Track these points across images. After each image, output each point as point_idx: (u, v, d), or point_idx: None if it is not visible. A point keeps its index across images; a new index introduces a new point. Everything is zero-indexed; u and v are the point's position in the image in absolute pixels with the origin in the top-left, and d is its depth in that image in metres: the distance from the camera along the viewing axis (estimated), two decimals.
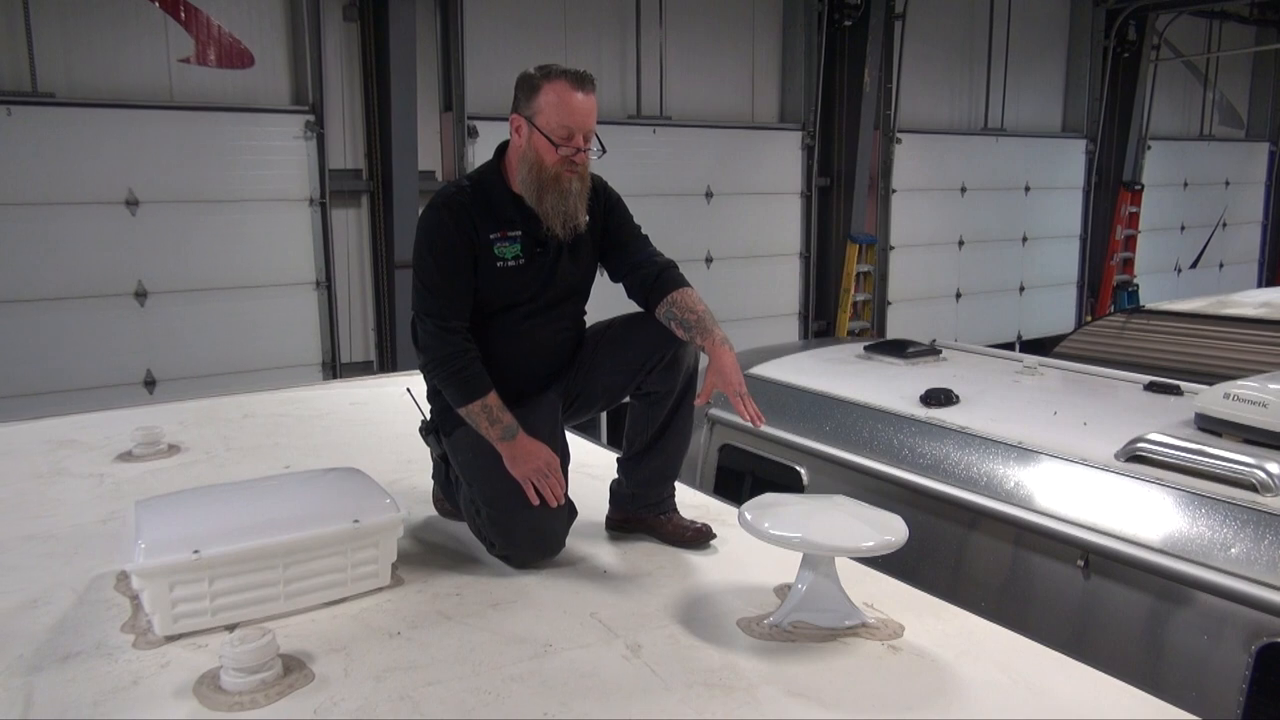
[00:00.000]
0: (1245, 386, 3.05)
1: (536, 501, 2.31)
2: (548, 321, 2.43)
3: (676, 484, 2.68)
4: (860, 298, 9.28)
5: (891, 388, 3.91)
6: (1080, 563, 2.87)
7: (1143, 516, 2.84)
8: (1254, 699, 2.48)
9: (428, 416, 2.59)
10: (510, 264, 2.34)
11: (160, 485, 2.91)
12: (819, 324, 9.17)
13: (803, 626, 2.13)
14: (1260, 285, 12.93)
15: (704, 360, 2.43)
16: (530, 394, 2.48)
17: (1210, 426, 3.08)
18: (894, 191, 9.67)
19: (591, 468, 3.10)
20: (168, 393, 6.32)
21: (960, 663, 2.03)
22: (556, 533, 2.44)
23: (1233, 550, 2.61)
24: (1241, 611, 2.54)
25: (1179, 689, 2.54)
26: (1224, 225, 13.12)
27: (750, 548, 2.39)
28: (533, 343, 2.39)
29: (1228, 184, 13.22)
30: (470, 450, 2.43)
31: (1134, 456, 2.99)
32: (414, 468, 3.01)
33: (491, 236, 2.33)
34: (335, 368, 6.98)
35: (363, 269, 7.15)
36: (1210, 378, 3.74)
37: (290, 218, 6.86)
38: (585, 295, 2.53)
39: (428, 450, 2.64)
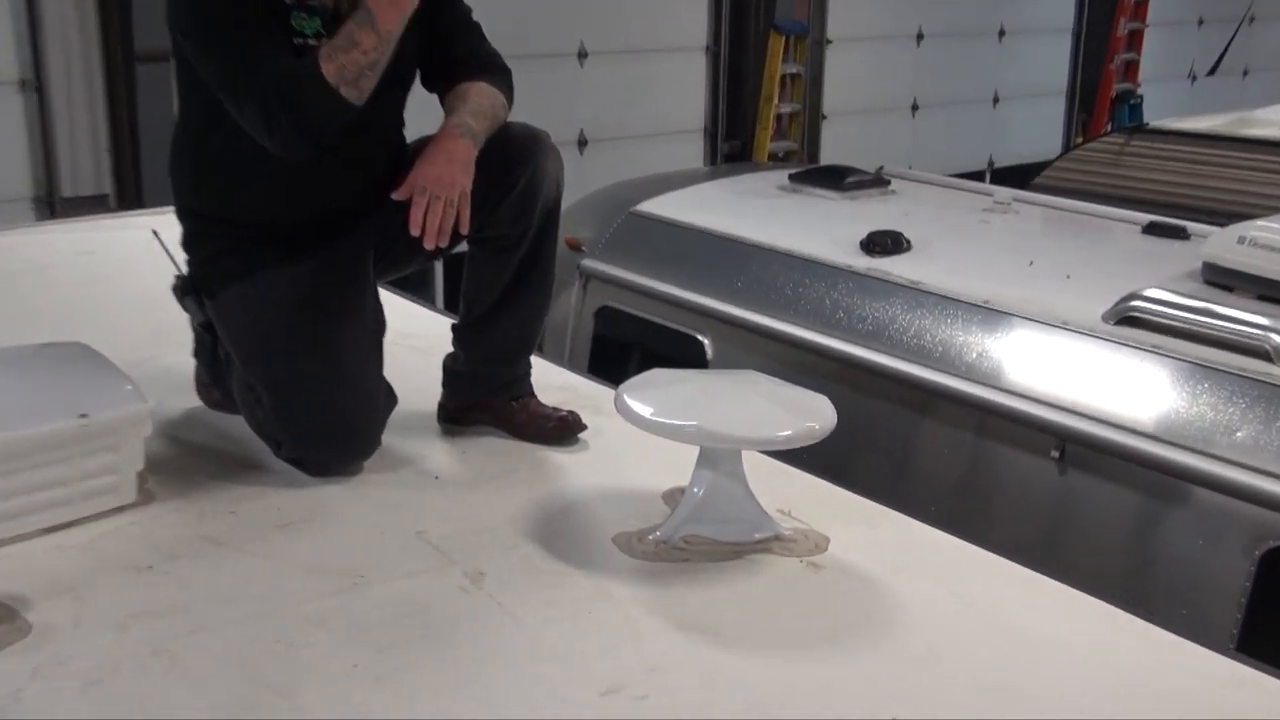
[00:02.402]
0: (1264, 228, 3.18)
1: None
2: (355, 124, 2.35)
3: (534, 359, 2.69)
4: (786, 109, 9.26)
5: (823, 230, 3.96)
6: (1055, 454, 3.00)
7: (1132, 394, 2.97)
8: (1253, 615, 2.66)
9: (183, 270, 2.53)
10: (310, 42, 2.30)
11: None
12: (731, 145, 9.14)
13: (698, 542, 2.18)
14: None
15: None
16: (329, 234, 2.44)
17: (1220, 279, 3.20)
18: None
19: (417, 339, 3.07)
20: None
21: (898, 581, 2.11)
22: (368, 425, 2.44)
23: (1238, 434, 2.76)
24: (1244, 510, 2.70)
25: (1168, 607, 2.71)
26: (1251, 20, 13.50)
27: (631, 442, 2.40)
28: (333, 153, 2.34)
29: None
30: (245, 313, 2.39)
31: (1125, 318, 3.11)
32: (168, 342, 2.93)
33: (287, 1, 2.29)
34: (53, 204, 6.65)
35: (88, 64, 6.72)
36: (1224, 217, 3.89)
37: None
38: (406, 88, 2.50)
39: (186, 319, 2.59)
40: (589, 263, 4.20)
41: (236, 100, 2.25)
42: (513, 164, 2.43)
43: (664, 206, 4.29)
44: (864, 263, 3.62)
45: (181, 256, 2.53)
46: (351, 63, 2.22)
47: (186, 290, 2.52)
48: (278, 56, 2.24)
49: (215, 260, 2.43)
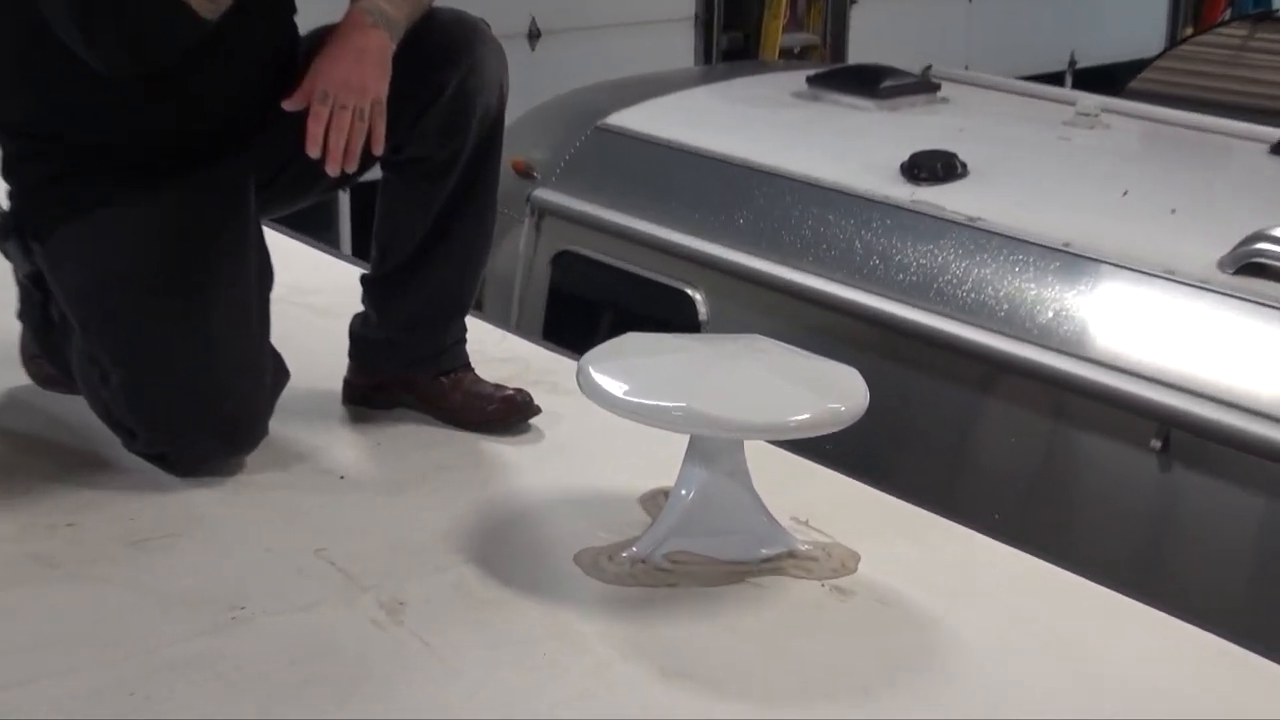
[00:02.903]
0: None
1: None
2: (249, 18, 2.35)
3: (470, 321, 2.70)
4: None
5: (853, 150, 3.96)
6: (1155, 443, 3.01)
7: (1256, 366, 2.98)
8: None
9: (2, 204, 2.52)
10: None
11: None
12: (731, 38, 9.13)
13: (688, 561, 2.18)
14: None
15: None
16: (196, 157, 2.44)
17: None
18: None
19: (315, 295, 3.06)
20: None
21: (952, 612, 2.11)
22: (250, 409, 2.45)
23: None
24: None
25: None
26: None
27: (599, 430, 2.40)
28: (204, 50, 2.31)
29: None
30: (86, 261, 2.38)
31: (1249, 265, 3.11)
32: None
33: None
34: None
35: None
36: None
37: None
38: None
39: (8, 269, 2.59)
40: (543, 194, 4.19)
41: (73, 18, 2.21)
42: (440, 63, 2.43)
43: (642, 120, 4.28)
44: (906, 193, 3.63)
45: (3, 188, 2.51)
46: None
47: (7, 231, 2.49)
48: None
49: (44, 191, 2.41)
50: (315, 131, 2.29)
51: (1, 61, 2.43)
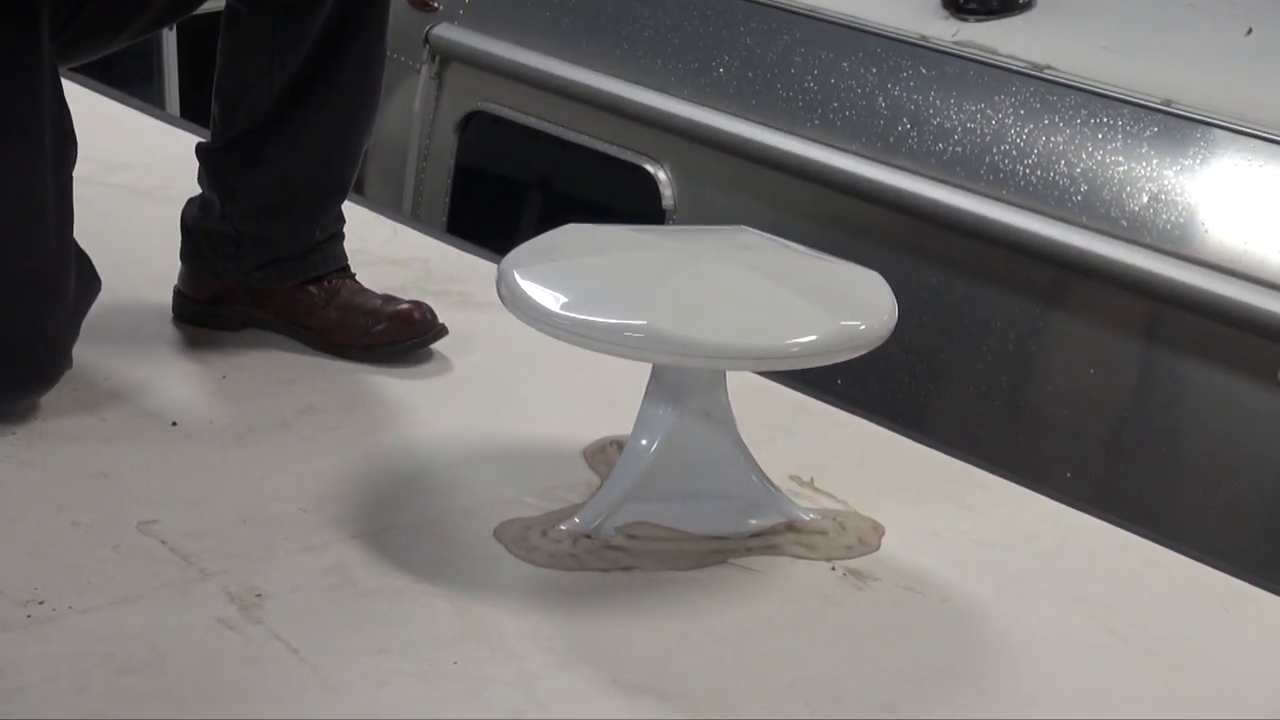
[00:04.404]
0: None
1: None
2: None
3: (349, 208, 2.73)
4: None
5: None
6: None
7: None
8: None
9: None
10: None
11: None
12: None
13: (650, 535, 2.21)
14: None
15: None
16: None
17: None
18: None
19: (134, 172, 3.10)
20: None
21: (1008, 601, 2.15)
22: (48, 331, 2.44)
23: None
24: None
25: None
26: None
27: (527, 357, 2.47)
28: None
29: None
30: None
31: None
32: None
33: None
34: None
35: None
36: None
37: None
38: None
39: None
40: (445, 32, 4.19)
41: None
42: None
43: None
44: (949, 29, 3.63)
45: None
46: None
47: None
48: None
49: None
50: None
51: None
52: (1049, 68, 3.48)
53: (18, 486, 2.31)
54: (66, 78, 2.61)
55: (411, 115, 4.19)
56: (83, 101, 2.71)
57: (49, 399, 2.46)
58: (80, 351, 2.48)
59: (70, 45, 2.56)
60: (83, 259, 2.49)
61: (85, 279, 2.50)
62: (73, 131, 2.51)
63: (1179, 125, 3.31)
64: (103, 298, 2.53)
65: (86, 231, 2.51)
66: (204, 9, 2.52)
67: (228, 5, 2.55)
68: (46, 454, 2.38)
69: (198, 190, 2.69)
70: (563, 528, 2.21)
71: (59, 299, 2.44)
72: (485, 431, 2.47)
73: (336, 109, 2.59)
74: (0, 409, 2.43)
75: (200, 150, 2.66)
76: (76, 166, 2.52)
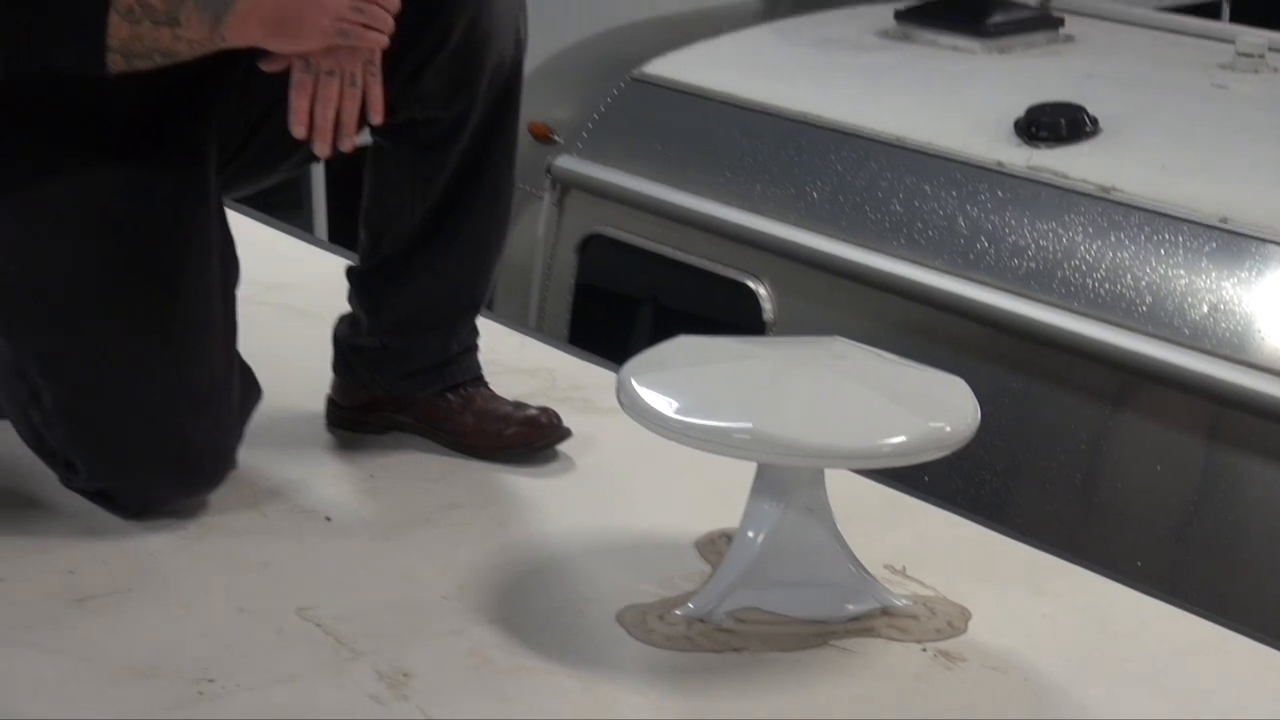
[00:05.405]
0: None
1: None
2: None
3: (482, 323, 2.71)
4: None
5: (956, 103, 3.97)
6: None
7: None
8: None
9: None
10: None
11: None
12: None
13: (757, 620, 2.19)
14: None
15: None
16: (148, 123, 2.44)
17: None
18: None
19: (290, 292, 3.09)
20: None
21: (1083, 684, 2.11)
22: (215, 436, 2.45)
23: None
24: None
25: None
26: None
27: (644, 456, 2.43)
28: None
29: None
30: (10, 250, 2.39)
31: None
32: None
33: None
34: None
35: None
36: None
37: None
38: None
39: None
40: (566, 163, 4.21)
41: None
42: (441, 2, 2.43)
43: (689, 68, 4.28)
44: (1022, 156, 3.62)
45: None
46: (152, 40, 2.22)
47: None
48: None
49: None
50: (300, 106, 2.29)
51: None
52: (1114, 189, 3.46)
53: (190, 575, 2.32)
54: (229, 207, 2.63)
55: (536, 238, 4.20)
56: (243, 228, 2.73)
57: (216, 496, 2.46)
58: (244, 454, 2.49)
59: (233, 179, 2.58)
60: (246, 370, 2.51)
61: (248, 389, 2.51)
62: (236, 255, 2.53)
63: (1235, 241, 3.28)
64: (263, 405, 2.54)
65: (248, 345, 2.52)
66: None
67: (374, 141, 2.57)
68: (214, 546, 2.39)
69: (347, 308, 2.69)
70: (678, 613, 2.20)
71: (225, 407, 2.46)
72: (607, 525, 2.46)
73: (471, 235, 2.59)
74: (173, 505, 2.44)
75: (350, 272, 2.67)
76: (239, 286, 2.53)
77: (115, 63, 2.24)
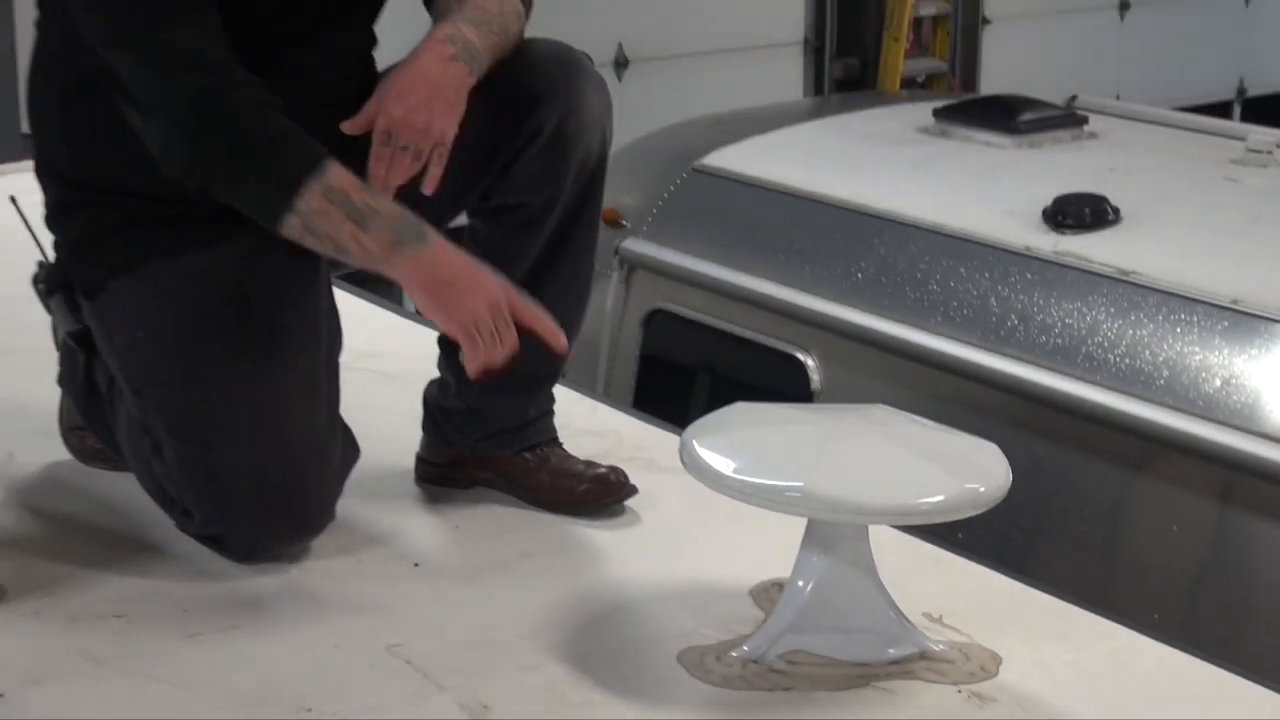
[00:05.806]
0: None
1: (484, 370, 2.33)
2: (321, 50, 2.48)
3: (560, 389, 2.75)
4: (930, 9, 9.28)
5: (989, 193, 4.02)
6: None
7: None
8: None
9: (49, 256, 2.59)
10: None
11: None
12: (846, 65, 9.11)
13: (806, 662, 2.22)
14: None
15: None
16: None
17: None
18: None
19: (385, 359, 3.13)
20: None
21: None
22: (319, 488, 2.49)
23: None
24: None
25: None
26: None
27: (704, 512, 2.46)
28: (295, 91, 2.40)
29: None
30: (139, 319, 2.44)
31: None
32: (20, 363, 3.02)
33: None
34: None
35: None
36: None
37: None
38: (379, 3, 2.58)
39: (49, 327, 2.66)
40: (632, 245, 4.28)
41: (144, 118, 2.34)
42: (536, 101, 2.48)
43: (745, 159, 4.35)
44: (1050, 242, 3.68)
45: (47, 237, 2.57)
46: (334, 226, 2.29)
47: (53, 286, 2.56)
48: (193, 59, 2.30)
49: (97, 244, 2.46)
50: (378, 173, 2.35)
51: (52, 107, 2.52)
52: (1134, 273, 3.52)
53: (291, 615, 2.37)
54: (334, 284, 2.67)
55: (604, 313, 4.26)
56: (344, 300, 2.76)
57: (317, 544, 2.50)
58: (342, 505, 2.52)
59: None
60: (346, 430, 2.55)
61: (348, 448, 2.55)
62: (339, 326, 2.57)
63: (1245, 320, 3.34)
64: (360, 461, 2.58)
65: (349, 407, 2.56)
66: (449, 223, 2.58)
67: (469, 223, 2.61)
68: (314, 588, 2.43)
69: (434, 374, 2.73)
70: (734, 654, 2.23)
71: (327, 462, 2.50)
72: (669, 574, 2.49)
73: (552, 310, 2.54)
74: (278, 551, 2.48)
75: (441, 340, 2.67)
76: (341, 354, 2.57)
77: (292, 226, 2.30)
